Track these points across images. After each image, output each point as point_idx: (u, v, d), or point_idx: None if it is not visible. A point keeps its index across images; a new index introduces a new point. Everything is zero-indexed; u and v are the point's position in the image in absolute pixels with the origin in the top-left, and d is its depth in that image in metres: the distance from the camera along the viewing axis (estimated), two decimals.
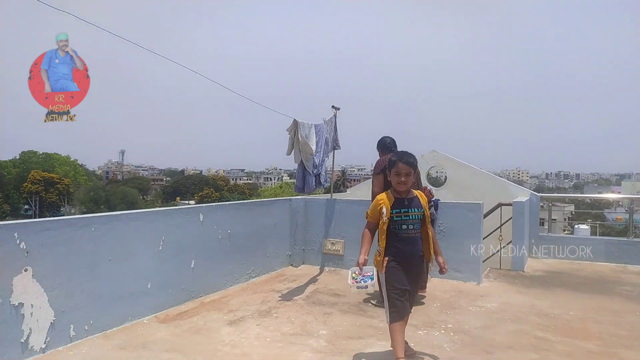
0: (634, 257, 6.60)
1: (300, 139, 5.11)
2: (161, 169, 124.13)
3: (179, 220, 4.56)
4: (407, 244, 3.06)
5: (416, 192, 3.17)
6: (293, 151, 5.36)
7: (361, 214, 6.30)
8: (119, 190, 60.14)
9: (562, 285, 5.60)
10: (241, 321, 4.15)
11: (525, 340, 3.77)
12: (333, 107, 6.29)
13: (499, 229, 6.71)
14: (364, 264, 2.98)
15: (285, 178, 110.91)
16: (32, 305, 3.24)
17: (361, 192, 8.79)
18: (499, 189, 7.84)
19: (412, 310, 3.26)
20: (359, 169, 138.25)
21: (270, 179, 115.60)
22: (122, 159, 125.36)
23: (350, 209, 6.22)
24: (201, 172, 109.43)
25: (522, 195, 7.33)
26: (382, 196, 3.12)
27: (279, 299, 4.86)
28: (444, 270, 3.22)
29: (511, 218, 6.54)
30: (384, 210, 3.03)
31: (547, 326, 4.10)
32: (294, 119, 5.01)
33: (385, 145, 5.05)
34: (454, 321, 4.20)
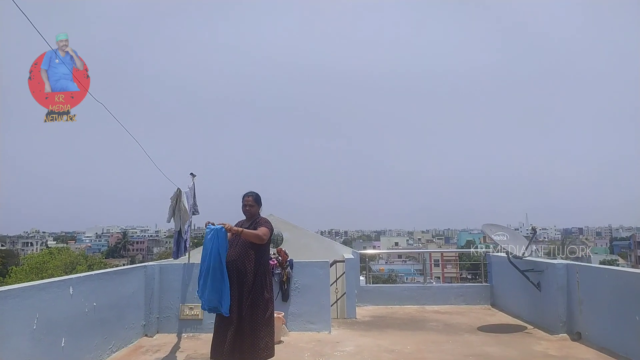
0: (429, 299, 8.38)
1: (182, 207, 5.24)
2: None
3: (51, 295, 4.17)
4: None
5: None
6: (173, 218, 5.42)
7: None
8: None
9: (390, 327, 6.82)
10: None
11: None
12: (191, 174, 6.53)
13: (335, 282, 7.74)
14: None
15: (52, 243, 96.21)
16: None
17: None
18: (327, 248, 9.01)
19: None
20: (142, 230, 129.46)
21: (32, 244, 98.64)
22: None
23: None
24: None
25: (346, 253, 8.60)
26: None
27: None
28: None
29: (344, 273, 7.65)
30: None
31: (398, 359, 5.09)
32: (178, 188, 5.15)
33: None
34: None
